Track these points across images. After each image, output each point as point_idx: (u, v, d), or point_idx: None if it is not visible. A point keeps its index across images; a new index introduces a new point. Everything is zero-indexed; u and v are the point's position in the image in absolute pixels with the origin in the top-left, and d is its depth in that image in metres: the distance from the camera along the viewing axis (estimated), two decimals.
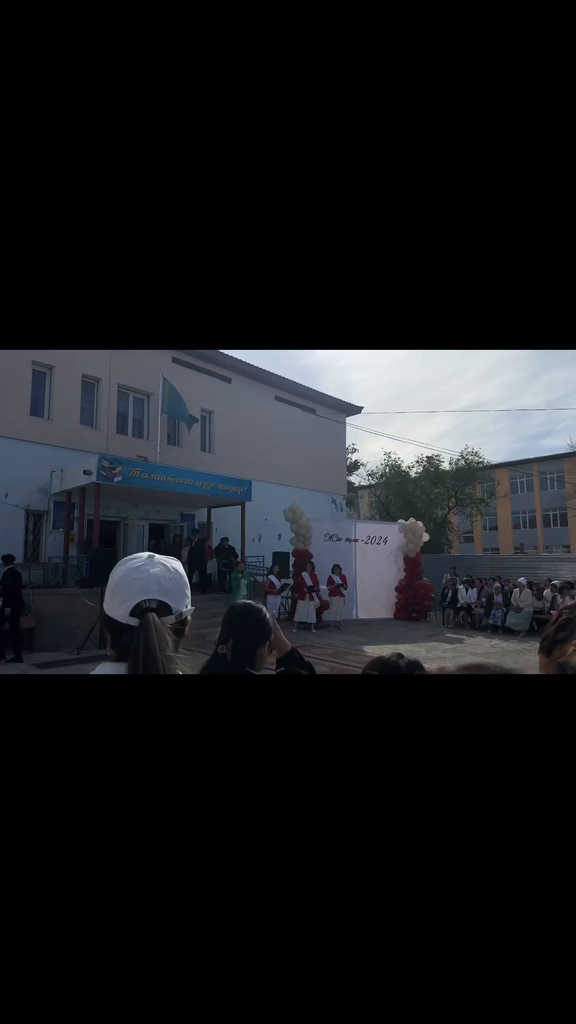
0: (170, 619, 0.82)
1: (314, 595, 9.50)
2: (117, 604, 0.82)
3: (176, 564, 0.88)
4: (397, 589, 11.58)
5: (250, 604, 1.23)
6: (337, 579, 9.90)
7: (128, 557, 0.87)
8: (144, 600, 0.81)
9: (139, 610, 0.80)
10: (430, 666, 1.04)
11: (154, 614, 0.79)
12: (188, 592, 0.87)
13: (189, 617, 0.87)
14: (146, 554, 0.87)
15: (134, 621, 0.79)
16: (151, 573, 0.83)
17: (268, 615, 1.22)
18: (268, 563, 10.86)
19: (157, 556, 0.87)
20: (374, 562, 11.39)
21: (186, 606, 0.85)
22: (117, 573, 0.85)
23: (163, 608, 0.81)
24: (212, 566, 10.65)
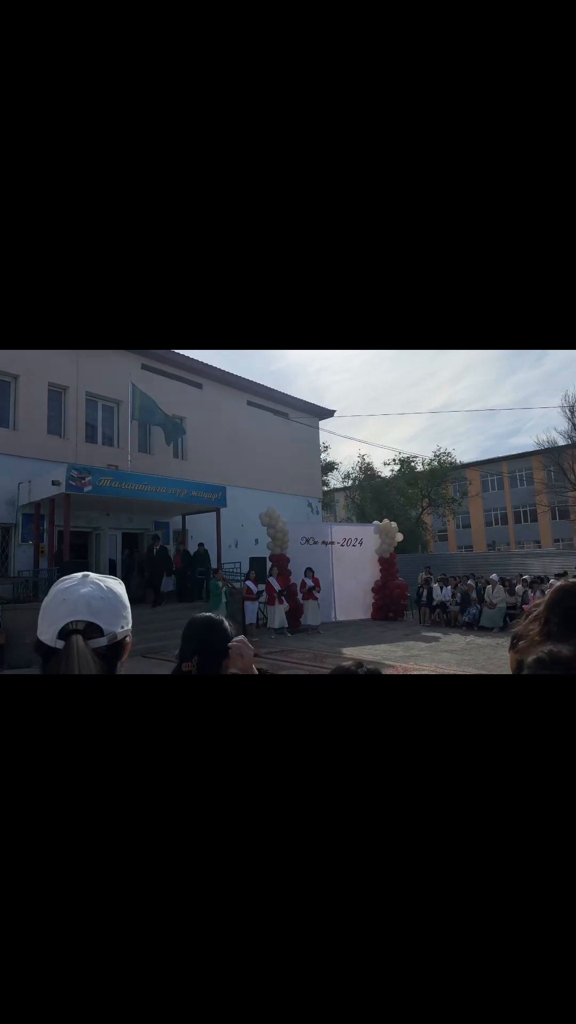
0: (101, 641, 0.78)
1: (282, 599, 9.51)
2: (46, 627, 0.79)
3: (112, 583, 0.84)
4: (373, 590, 11.69)
5: (210, 616, 1.19)
6: (309, 582, 9.92)
7: (63, 577, 0.84)
8: (71, 622, 0.78)
9: (66, 632, 0.77)
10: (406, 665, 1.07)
11: (79, 637, 0.76)
12: (126, 612, 0.84)
13: (128, 638, 0.83)
14: (80, 574, 0.84)
15: (61, 644, 0.76)
16: (80, 593, 0.80)
17: (235, 633, 1.17)
18: (245, 569, 10.84)
19: (92, 575, 0.84)
20: (351, 564, 11.48)
21: (122, 626, 0.82)
22: (48, 595, 0.82)
23: (93, 630, 0.78)
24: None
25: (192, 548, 11.17)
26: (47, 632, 0.78)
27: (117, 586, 0.84)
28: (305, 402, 16.25)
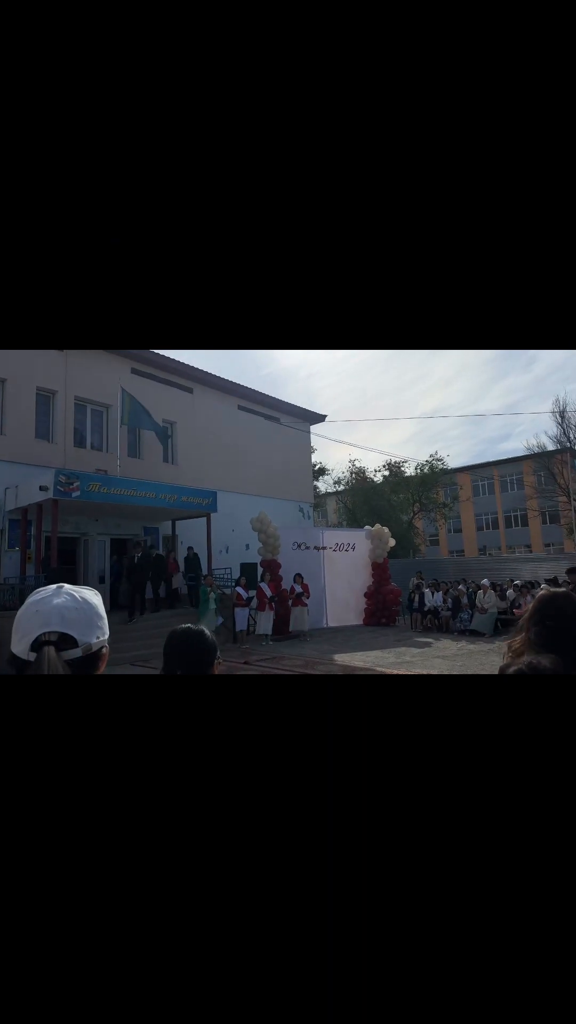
0: (75, 652, 0.78)
1: (272, 605, 9.43)
2: (18, 639, 0.79)
3: (88, 593, 0.84)
4: (366, 595, 11.69)
5: (189, 628, 1.16)
6: (298, 588, 9.85)
7: (37, 589, 0.85)
8: (43, 633, 0.77)
9: (38, 644, 0.77)
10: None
11: (51, 648, 0.76)
12: (101, 623, 0.84)
13: (105, 649, 0.83)
14: (55, 585, 0.85)
15: (33, 657, 0.76)
16: (53, 604, 0.80)
17: (220, 643, 1.15)
18: (235, 574, 10.79)
19: (67, 586, 0.84)
20: (343, 569, 11.47)
21: (97, 637, 0.82)
22: (22, 607, 0.82)
23: (67, 641, 0.78)
24: (178, 580, 10.45)
25: (182, 554, 11.10)
26: (19, 644, 0.78)
27: (93, 597, 0.85)
28: (296, 406, 16.28)
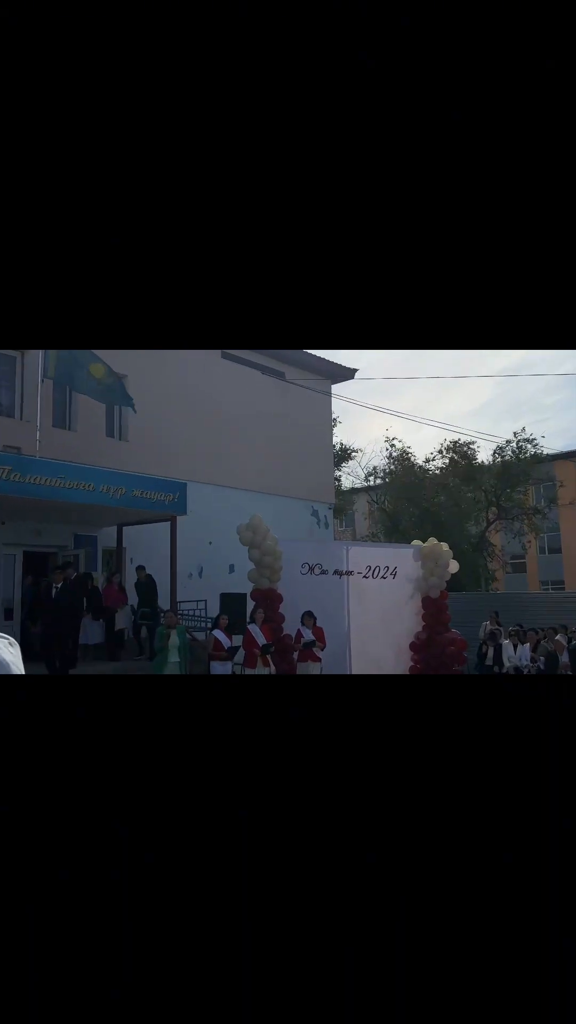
0: None
1: (268, 659, 9.44)
2: None
3: None
4: (413, 647, 11.77)
5: None
6: (308, 634, 9.84)
7: None
8: None
9: None
10: None
11: None
12: None
13: None
14: None
15: None
16: None
17: None
18: (212, 611, 10.85)
19: None
20: (378, 606, 11.52)
21: None
22: None
23: None
24: (124, 618, 10.61)
25: (131, 577, 11.27)
26: None
27: (3, 651, 0.93)
28: (311, 356, 16.31)
